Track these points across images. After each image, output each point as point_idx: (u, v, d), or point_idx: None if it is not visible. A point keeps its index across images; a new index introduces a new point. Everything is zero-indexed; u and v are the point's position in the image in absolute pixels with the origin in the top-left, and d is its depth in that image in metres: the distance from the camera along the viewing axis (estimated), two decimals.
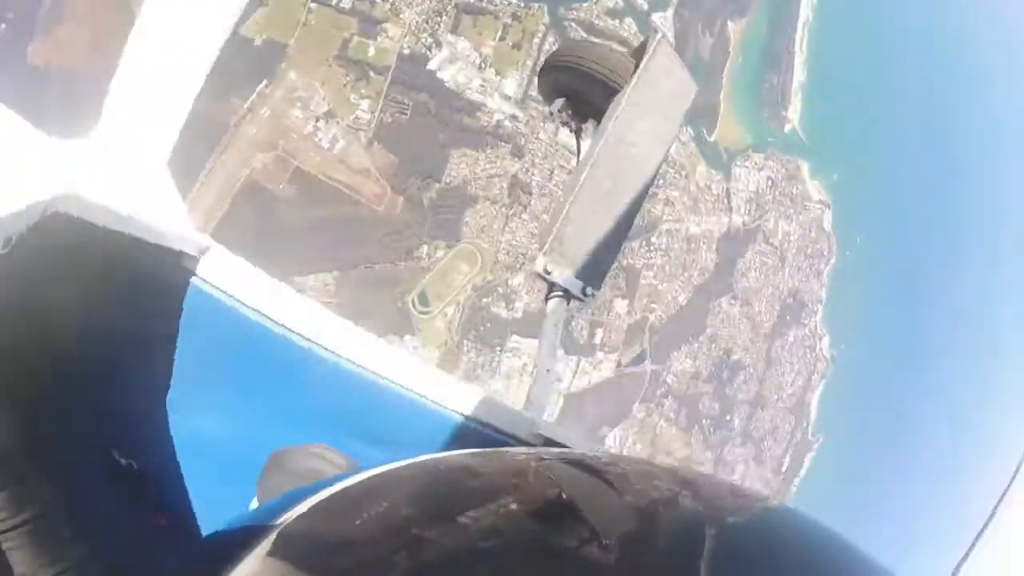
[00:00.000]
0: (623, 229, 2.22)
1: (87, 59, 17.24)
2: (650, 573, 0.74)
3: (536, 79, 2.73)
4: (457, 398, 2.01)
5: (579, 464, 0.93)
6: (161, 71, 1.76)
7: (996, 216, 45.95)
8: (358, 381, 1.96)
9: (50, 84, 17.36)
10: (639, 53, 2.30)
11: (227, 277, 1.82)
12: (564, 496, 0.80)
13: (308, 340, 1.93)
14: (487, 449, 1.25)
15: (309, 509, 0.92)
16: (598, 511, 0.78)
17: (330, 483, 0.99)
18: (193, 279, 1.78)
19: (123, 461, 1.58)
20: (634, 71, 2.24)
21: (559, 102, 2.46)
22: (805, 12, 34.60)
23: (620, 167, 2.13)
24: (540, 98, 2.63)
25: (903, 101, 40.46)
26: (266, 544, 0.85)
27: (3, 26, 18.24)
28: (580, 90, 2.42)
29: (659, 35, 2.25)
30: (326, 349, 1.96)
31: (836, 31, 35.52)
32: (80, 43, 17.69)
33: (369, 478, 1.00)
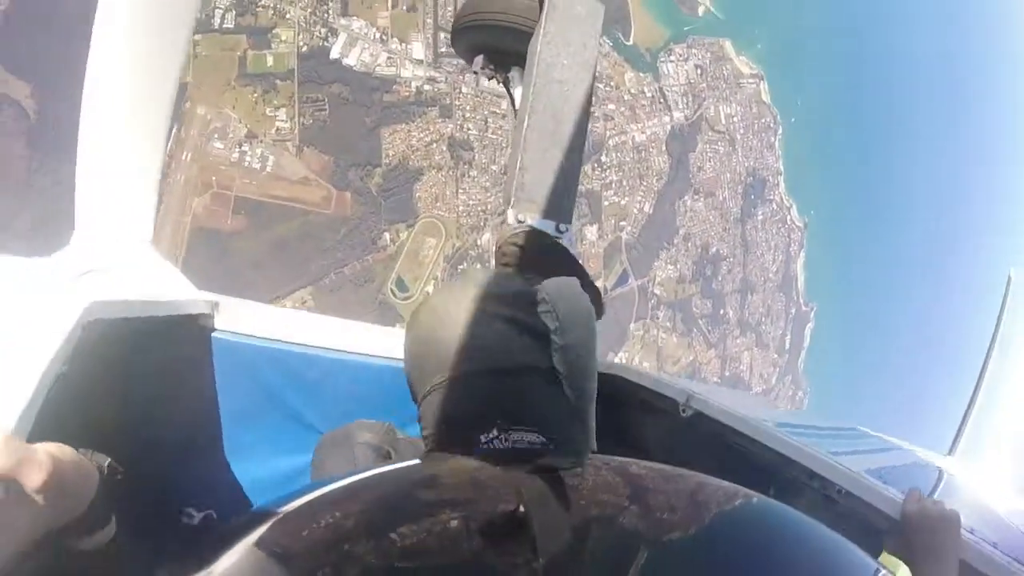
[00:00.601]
0: (577, 159, 2.29)
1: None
2: None
3: (449, 40, 2.73)
4: None
5: (551, 474, 0.90)
6: (123, 156, 1.79)
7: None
8: (390, 372, 2.06)
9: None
10: None
11: (242, 321, 1.94)
12: (512, 514, 0.79)
13: (333, 350, 2.06)
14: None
15: (284, 514, 0.88)
16: (542, 531, 0.76)
17: (324, 483, 0.96)
18: (214, 334, 1.90)
19: (198, 514, 1.67)
20: (540, 9, 2.26)
21: (478, 60, 2.48)
22: None
23: (556, 105, 2.18)
24: (452, 54, 2.64)
25: None
26: (235, 549, 0.81)
27: None
28: (494, 43, 2.44)
29: None
30: (351, 352, 2.07)
31: None
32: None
33: (350, 483, 0.96)
